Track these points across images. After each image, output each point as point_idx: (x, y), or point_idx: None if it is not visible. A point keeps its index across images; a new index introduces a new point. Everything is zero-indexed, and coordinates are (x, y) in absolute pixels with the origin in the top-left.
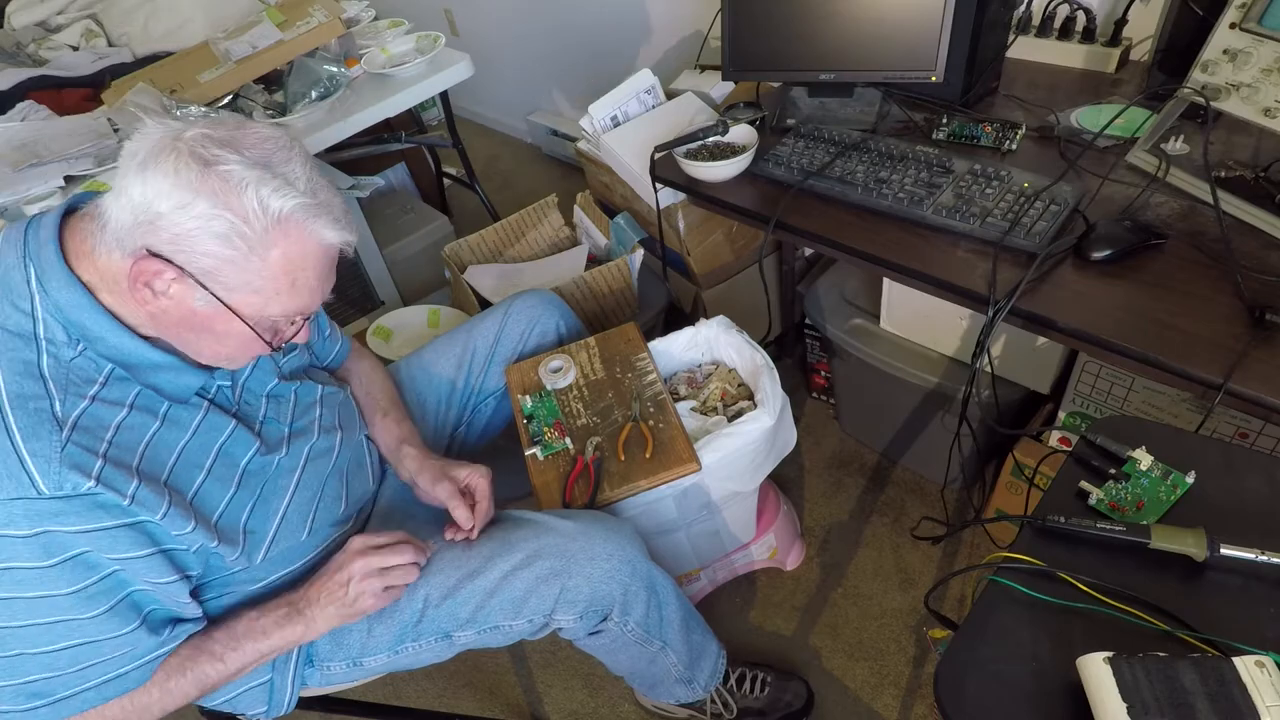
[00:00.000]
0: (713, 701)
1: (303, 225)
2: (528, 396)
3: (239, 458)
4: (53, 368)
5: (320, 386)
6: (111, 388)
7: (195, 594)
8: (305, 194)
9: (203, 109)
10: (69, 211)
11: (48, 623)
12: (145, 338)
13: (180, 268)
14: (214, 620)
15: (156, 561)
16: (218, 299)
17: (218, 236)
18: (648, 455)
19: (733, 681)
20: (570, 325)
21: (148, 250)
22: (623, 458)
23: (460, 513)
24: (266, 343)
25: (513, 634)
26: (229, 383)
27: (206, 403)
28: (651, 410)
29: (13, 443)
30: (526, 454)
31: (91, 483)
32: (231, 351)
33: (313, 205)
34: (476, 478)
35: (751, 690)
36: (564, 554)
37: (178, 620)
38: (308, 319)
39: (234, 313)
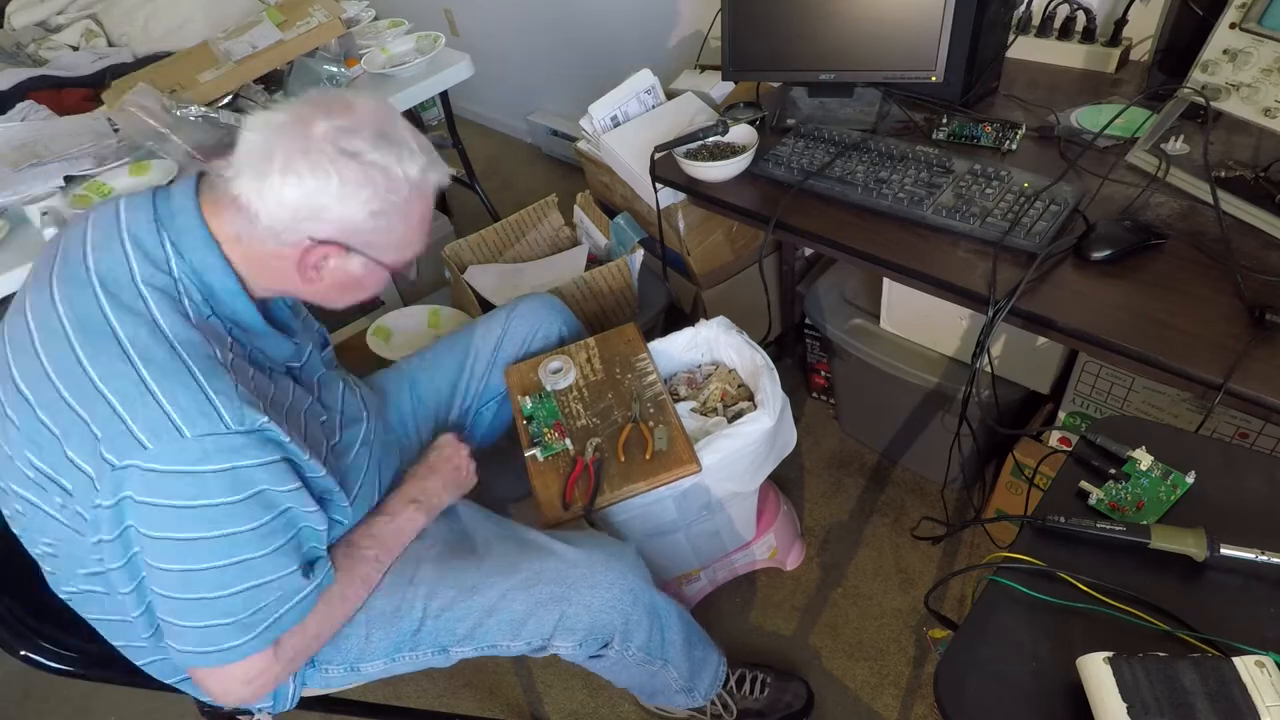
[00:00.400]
0: (713, 703)
1: (426, 180)
2: (527, 397)
3: (320, 424)
4: (199, 322)
5: (341, 381)
6: (236, 346)
7: None
8: (421, 150)
9: (202, 109)
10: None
11: (230, 564)
12: (256, 304)
13: (345, 246)
14: (354, 530)
15: (305, 495)
16: (376, 261)
17: (374, 214)
18: (648, 457)
19: (732, 683)
20: (572, 329)
21: (310, 239)
22: (623, 459)
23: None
24: (407, 275)
25: (510, 652)
26: (299, 363)
27: (291, 378)
28: (651, 411)
29: (198, 383)
30: (526, 455)
31: (264, 418)
32: (368, 295)
33: (430, 161)
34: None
35: (751, 691)
36: (565, 580)
37: (318, 561)
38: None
39: (386, 268)
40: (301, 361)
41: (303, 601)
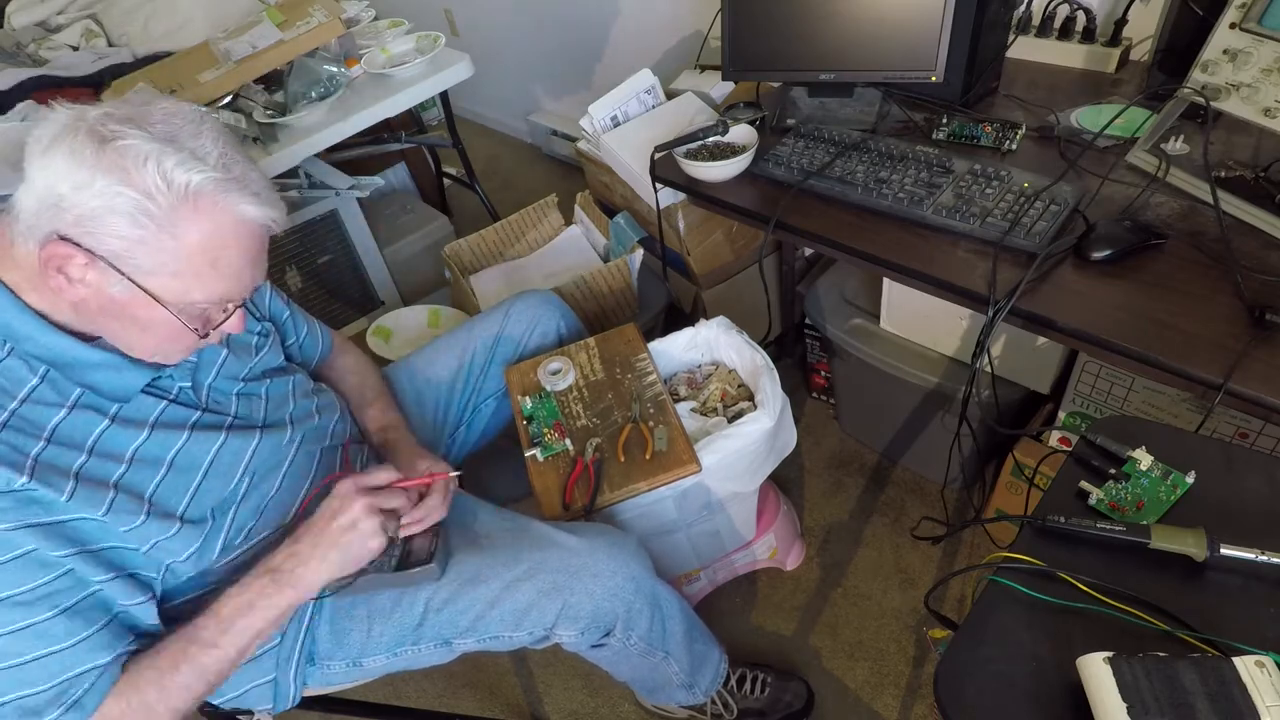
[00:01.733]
0: (713, 703)
1: (215, 200)
2: (527, 398)
3: (202, 455)
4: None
5: (291, 378)
6: (47, 388)
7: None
8: (216, 168)
9: (202, 109)
10: None
11: (15, 631)
12: (80, 336)
13: (89, 251)
14: (198, 608)
15: (97, 560)
16: (134, 283)
17: (122, 215)
18: (648, 457)
19: (733, 682)
20: (570, 325)
21: (57, 235)
22: (623, 459)
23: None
24: (194, 332)
25: (513, 643)
26: (189, 383)
27: (166, 401)
28: (651, 411)
29: None
30: (526, 455)
31: (24, 478)
32: (160, 343)
33: (225, 179)
34: (437, 477)
35: (752, 691)
36: (568, 569)
37: (135, 628)
38: (239, 306)
39: (153, 298)
40: (195, 384)
41: (90, 678)
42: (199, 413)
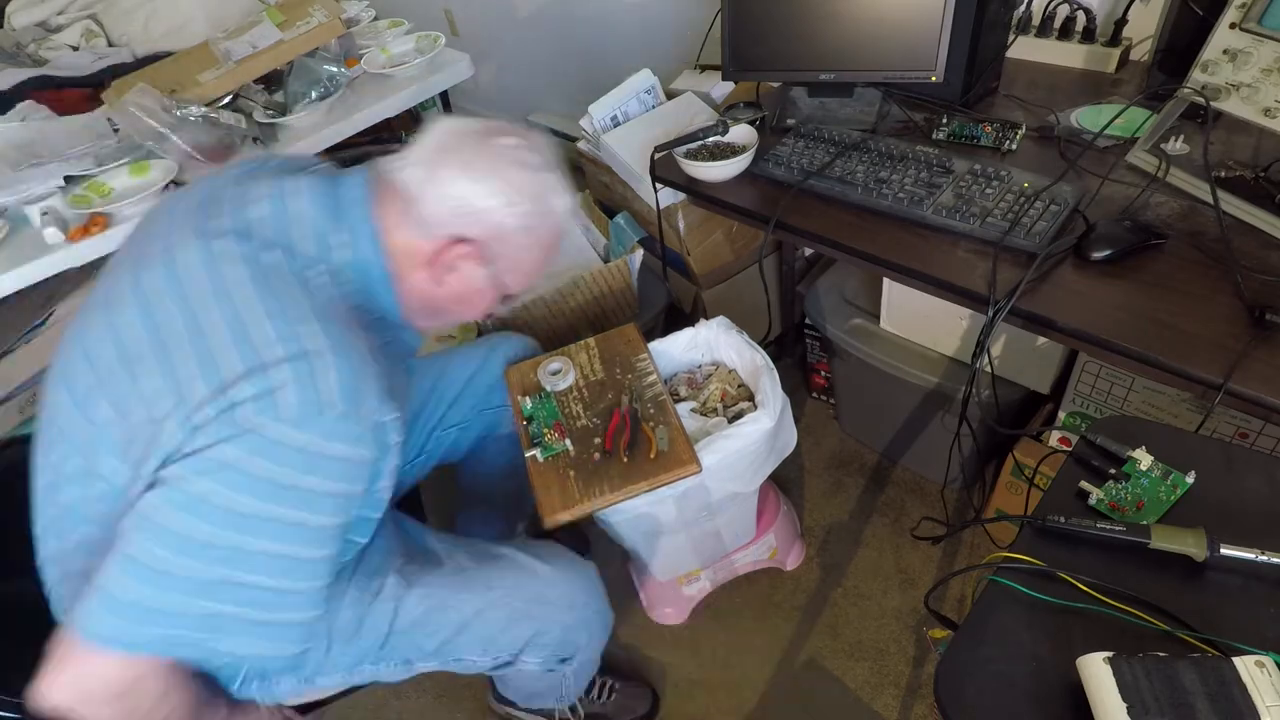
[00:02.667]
0: (561, 709)
1: (568, 222)
2: (527, 398)
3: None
4: (352, 310)
5: None
6: (374, 338)
7: None
8: (566, 189)
9: (203, 109)
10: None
11: (283, 554)
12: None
13: (485, 252)
14: None
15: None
16: (500, 280)
17: (522, 229)
18: (652, 456)
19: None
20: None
21: (463, 236)
22: (625, 460)
23: None
24: (495, 308)
25: (476, 668)
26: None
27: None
28: (652, 411)
29: (352, 365)
30: (526, 455)
31: (395, 414)
32: (469, 317)
33: (575, 201)
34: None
35: (599, 696)
36: (541, 599)
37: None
38: None
39: (502, 290)
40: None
41: (288, 629)
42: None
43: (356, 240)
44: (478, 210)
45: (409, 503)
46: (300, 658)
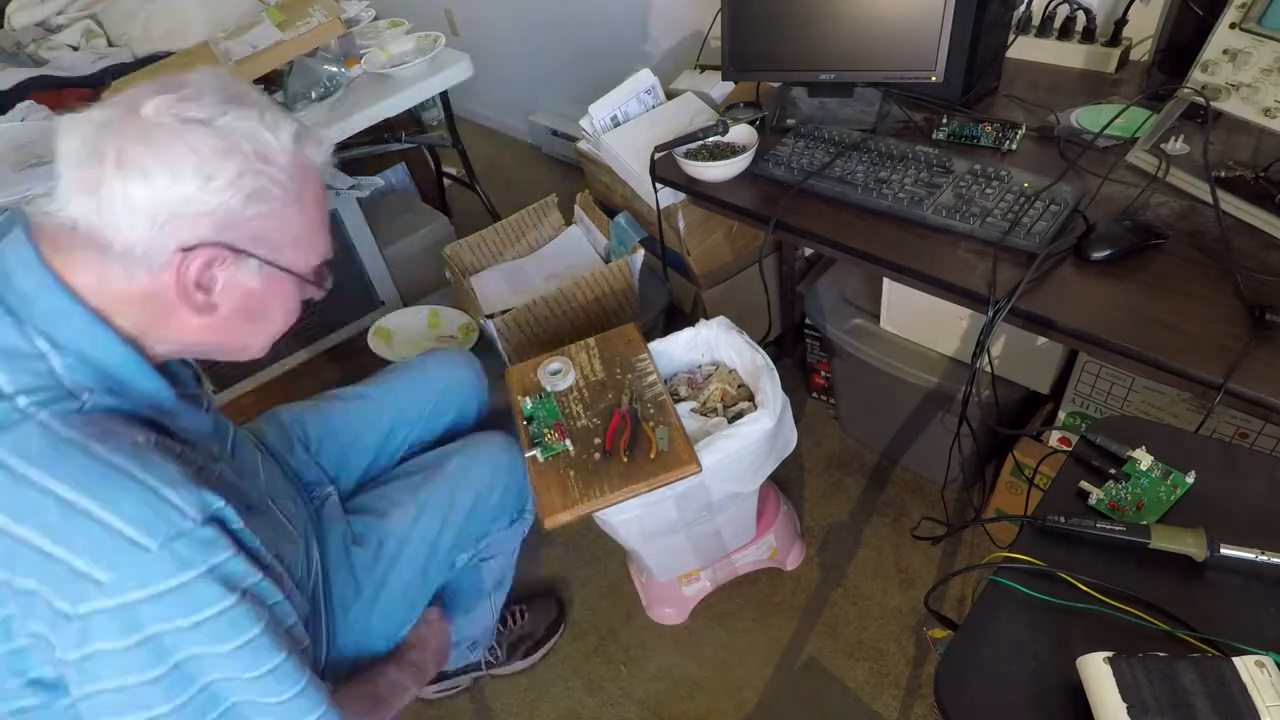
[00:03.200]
0: (491, 649)
1: (308, 152)
2: (527, 398)
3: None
4: (105, 416)
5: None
6: (153, 430)
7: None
8: (285, 115)
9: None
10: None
11: (264, 672)
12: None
13: (227, 246)
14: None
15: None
16: (274, 265)
17: (253, 196)
18: (652, 456)
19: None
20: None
21: (193, 244)
22: (625, 460)
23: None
24: (318, 288)
25: (463, 560)
26: (212, 430)
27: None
28: (652, 411)
29: (136, 479)
30: (526, 455)
31: (220, 501)
32: (279, 327)
33: (300, 127)
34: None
35: (515, 623)
36: (493, 464)
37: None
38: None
39: (291, 273)
40: (214, 426)
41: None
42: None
43: (71, 340)
44: (177, 205)
45: None
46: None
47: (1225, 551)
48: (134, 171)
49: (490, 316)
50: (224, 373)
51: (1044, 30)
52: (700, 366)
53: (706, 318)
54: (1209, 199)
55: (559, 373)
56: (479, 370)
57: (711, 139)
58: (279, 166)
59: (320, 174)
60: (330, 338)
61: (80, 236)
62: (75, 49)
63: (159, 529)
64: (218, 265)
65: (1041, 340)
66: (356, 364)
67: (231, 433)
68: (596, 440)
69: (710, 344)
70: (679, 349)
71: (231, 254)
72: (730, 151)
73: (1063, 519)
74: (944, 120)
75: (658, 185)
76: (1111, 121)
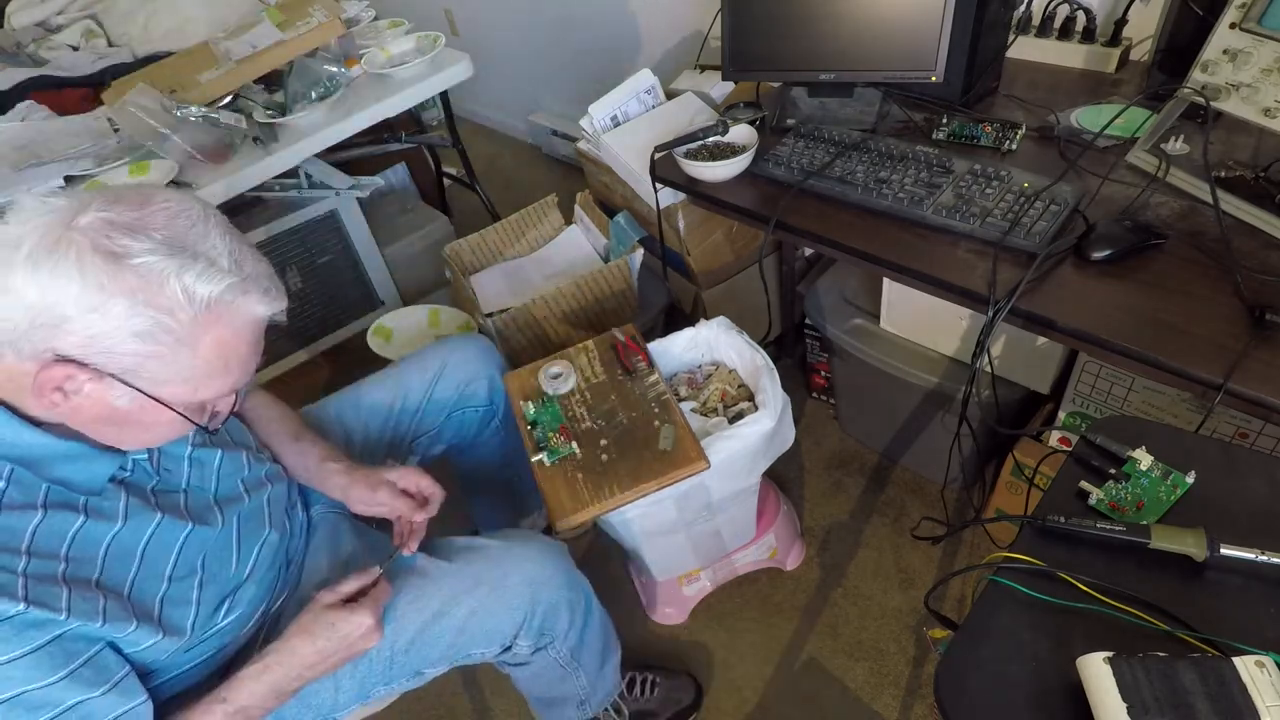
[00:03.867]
0: (606, 712)
1: (234, 306)
2: (529, 403)
3: (172, 542)
4: None
5: (244, 452)
6: (14, 490)
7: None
8: (232, 271)
9: (203, 109)
10: None
11: None
12: (40, 424)
13: (96, 369)
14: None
15: (107, 655)
16: (144, 394)
17: (138, 335)
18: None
19: (622, 687)
20: (504, 372)
21: (56, 356)
22: (630, 460)
23: (419, 515)
24: (197, 424)
25: (484, 658)
26: (145, 455)
27: (123, 487)
28: (656, 410)
29: None
30: (533, 460)
31: (21, 605)
32: (157, 438)
33: (240, 282)
34: (414, 476)
35: (643, 693)
36: (530, 580)
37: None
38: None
39: (163, 404)
40: (150, 453)
41: None
42: (155, 504)
43: None
44: (59, 319)
45: None
46: (311, 700)
47: (1225, 551)
48: (35, 274)
49: (490, 316)
50: None
51: (1044, 30)
52: (700, 366)
53: (706, 318)
54: (1209, 199)
55: (560, 376)
56: (486, 345)
57: (711, 139)
58: (178, 318)
59: (249, 324)
60: (330, 337)
61: None
62: (75, 49)
63: None
64: (74, 380)
65: (1041, 340)
66: (356, 364)
67: (180, 455)
68: (603, 441)
69: (710, 344)
70: (679, 349)
71: (90, 373)
72: (730, 151)
73: (1063, 519)
74: (944, 120)
75: (658, 185)
76: (1111, 121)
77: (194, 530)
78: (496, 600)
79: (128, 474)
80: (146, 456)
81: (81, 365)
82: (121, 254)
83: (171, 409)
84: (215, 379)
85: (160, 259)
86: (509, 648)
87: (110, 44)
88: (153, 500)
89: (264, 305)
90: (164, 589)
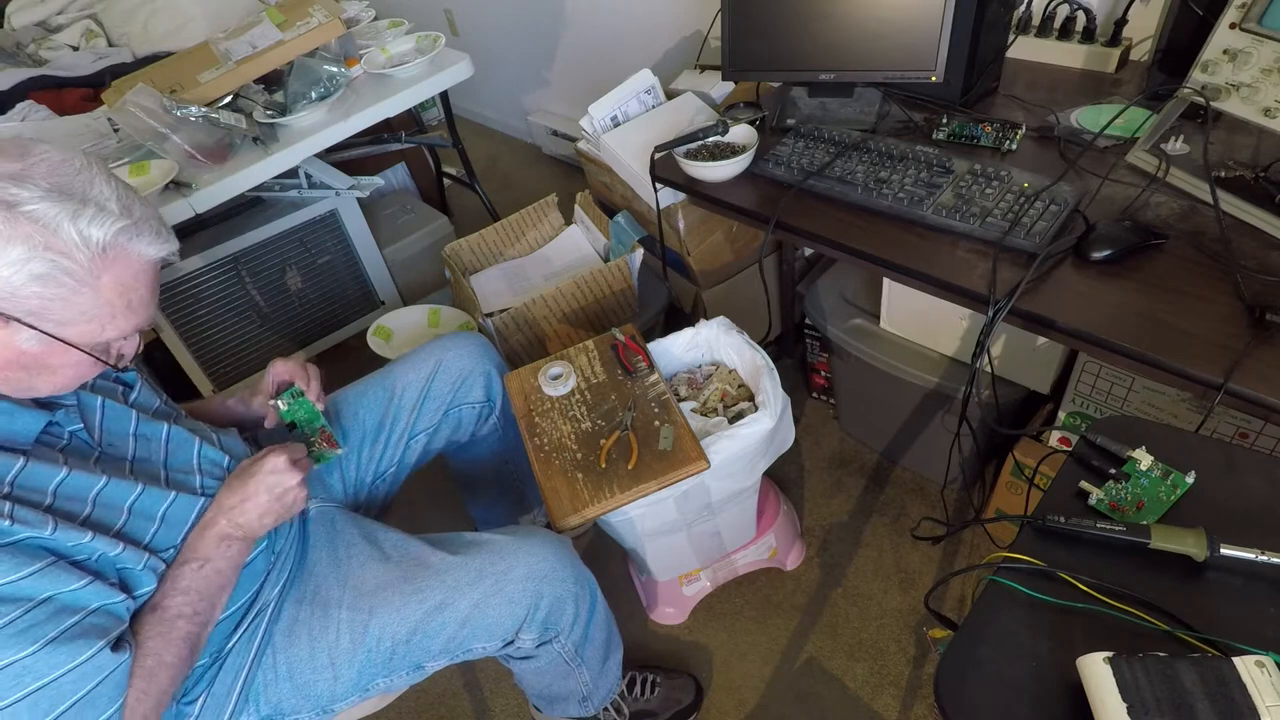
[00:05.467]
0: (606, 710)
1: (127, 248)
2: (279, 400)
3: (124, 495)
4: None
5: (198, 438)
6: None
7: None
8: (122, 215)
9: (203, 109)
10: None
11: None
12: None
13: (2, 314)
14: (160, 589)
15: (60, 570)
16: (50, 335)
17: (39, 278)
18: (660, 447)
19: (623, 686)
20: (500, 368)
21: None
22: (633, 465)
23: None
24: (104, 363)
25: (485, 653)
26: (79, 426)
27: (63, 454)
28: (656, 410)
29: None
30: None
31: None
32: (67, 380)
33: (132, 225)
34: (280, 362)
35: (643, 693)
36: (534, 575)
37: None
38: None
39: (69, 345)
40: (88, 425)
41: (109, 685)
42: (98, 450)
43: None
44: None
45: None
46: (310, 690)
47: (1225, 551)
48: None
49: (490, 316)
50: (223, 373)
51: (1044, 30)
52: (700, 366)
53: (706, 318)
54: (1209, 199)
55: (560, 377)
56: (483, 342)
57: (711, 139)
58: (76, 260)
59: (145, 265)
60: (330, 337)
61: None
62: (75, 49)
63: None
64: None
65: (1041, 340)
66: (356, 364)
67: (121, 422)
68: (602, 442)
69: (710, 344)
70: (679, 349)
71: (2, 319)
72: (730, 151)
73: (1063, 519)
74: (944, 120)
75: (658, 185)
76: (1111, 121)
77: (145, 489)
78: (500, 594)
79: (64, 442)
80: (82, 426)
81: None
82: (13, 202)
83: (78, 349)
84: (119, 318)
85: (51, 205)
86: (511, 642)
87: (110, 44)
88: (96, 468)
89: (155, 247)
90: (123, 520)
